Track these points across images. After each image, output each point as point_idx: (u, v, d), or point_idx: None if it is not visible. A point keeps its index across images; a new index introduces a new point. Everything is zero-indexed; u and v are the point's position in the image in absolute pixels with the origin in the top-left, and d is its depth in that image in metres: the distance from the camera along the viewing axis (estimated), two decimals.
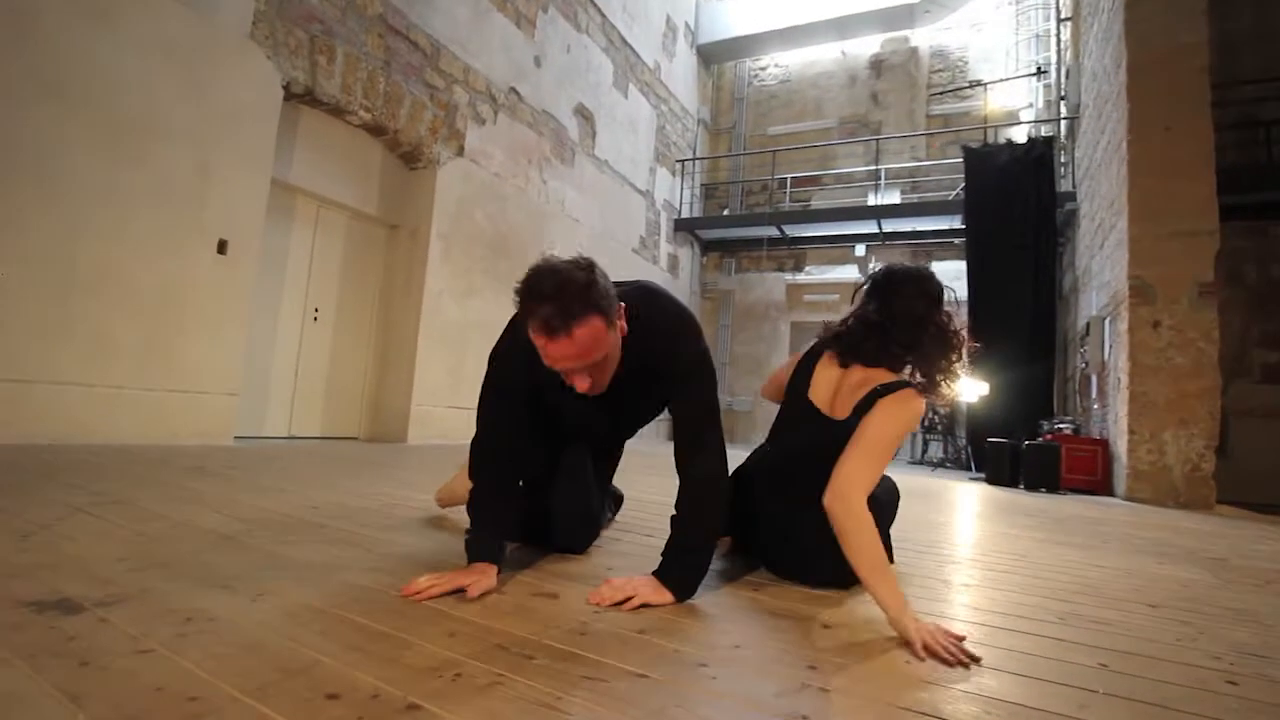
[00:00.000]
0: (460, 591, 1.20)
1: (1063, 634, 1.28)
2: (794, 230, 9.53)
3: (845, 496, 1.26)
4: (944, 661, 1.04)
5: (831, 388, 1.52)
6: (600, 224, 7.78)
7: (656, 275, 9.19)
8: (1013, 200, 7.15)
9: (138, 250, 3.46)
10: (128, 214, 3.41)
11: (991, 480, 5.59)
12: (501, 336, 1.42)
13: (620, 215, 8.26)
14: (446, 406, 5.45)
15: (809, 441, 1.52)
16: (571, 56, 7.17)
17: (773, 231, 9.57)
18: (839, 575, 1.40)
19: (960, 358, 1.51)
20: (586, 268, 1.21)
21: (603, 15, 7.73)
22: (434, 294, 5.37)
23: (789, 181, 9.91)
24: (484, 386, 1.42)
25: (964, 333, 1.51)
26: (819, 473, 1.33)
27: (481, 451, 1.40)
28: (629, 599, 1.21)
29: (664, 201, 9.46)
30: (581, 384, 1.24)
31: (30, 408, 3.09)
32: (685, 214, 9.97)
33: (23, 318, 3.06)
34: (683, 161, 9.90)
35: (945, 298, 1.53)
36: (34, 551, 1.29)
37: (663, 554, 1.32)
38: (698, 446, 1.36)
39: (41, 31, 3.10)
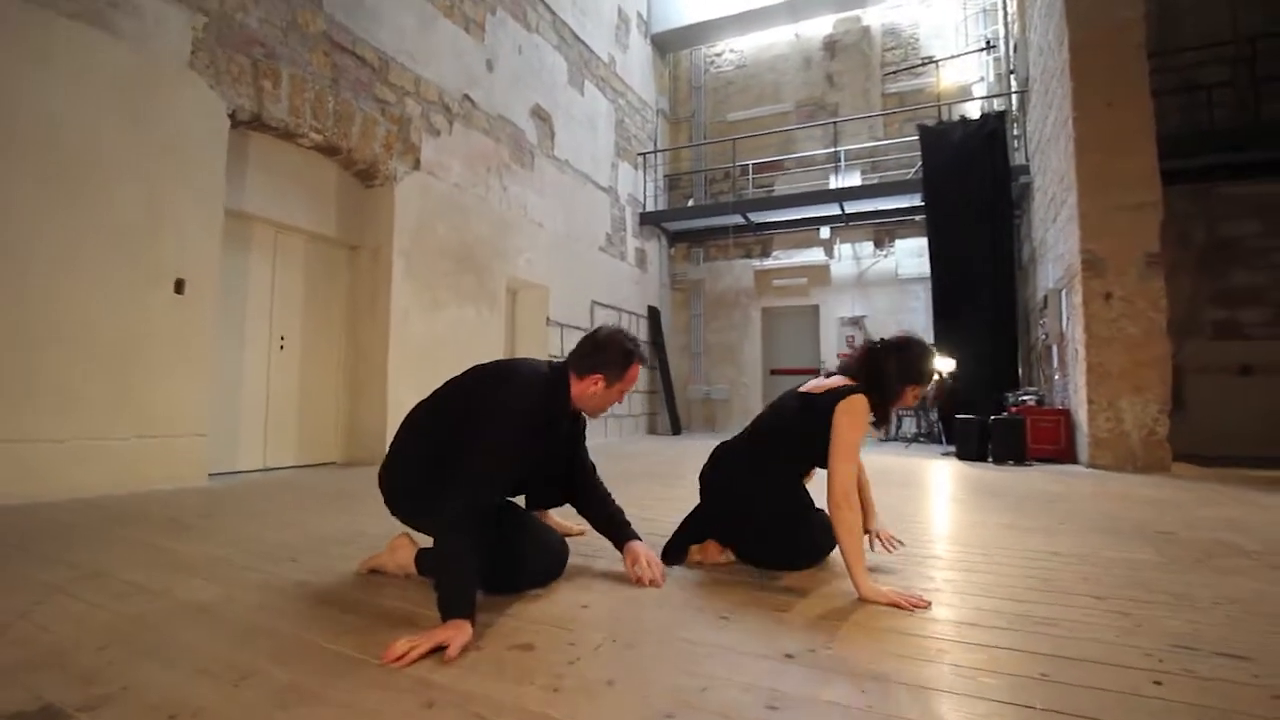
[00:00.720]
0: (440, 650, 1.25)
1: (1013, 642, 1.37)
2: (759, 216, 9.60)
3: (847, 495, 1.72)
4: (903, 607, 1.56)
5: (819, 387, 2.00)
6: (565, 226, 7.76)
7: (624, 272, 9.21)
8: (968, 176, 7.29)
9: (91, 296, 3.39)
10: (78, 259, 3.34)
11: (962, 455, 5.76)
12: (496, 426, 1.59)
13: (584, 215, 8.25)
14: None
15: (784, 408, 2.05)
16: (524, 58, 7.10)
17: (738, 219, 9.63)
18: (790, 556, 1.97)
19: (904, 400, 1.99)
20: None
21: (553, 13, 7.66)
22: (400, 312, 5.34)
23: (751, 168, 9.96)
24: (488, 467, 1.55)
25: (919, 393, 2.00)
26: (784, 438, 1.99)
27: (475, 519, 1.48)
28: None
29: (628, 196, 9.45)
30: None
31: (3, 468, 3.04)
32: (650, 207, 9.98)
33: None
34: (644, 154, 9.89)
35: (925, 376, 1.97)
36: (12, 647, 1.30)
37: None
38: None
39: None
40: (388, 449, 1.86)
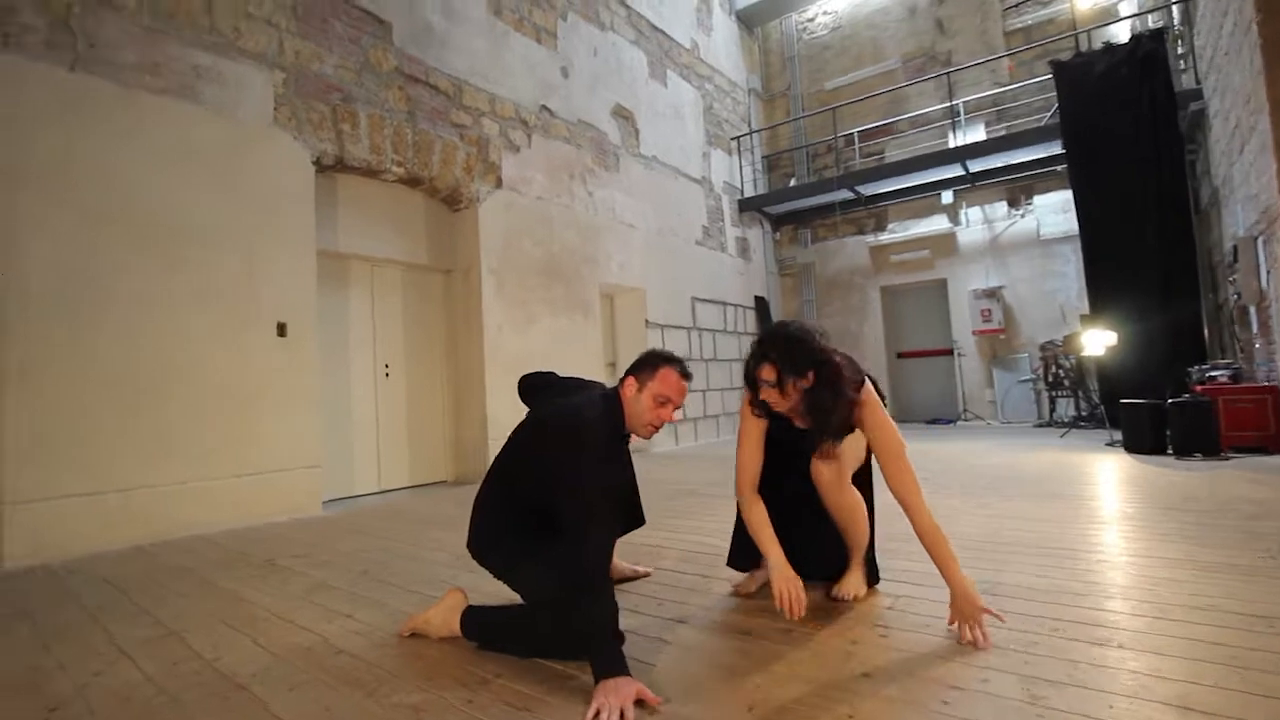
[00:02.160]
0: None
1: None
2: (869, 188, 8.79)
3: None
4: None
5: None
6: (656, 223, 7.54)
7: (726, 263, 8.83)
8: (1120, 111, 6.14)
9: (203, 348, 3.68)
10: (187, 316, 3.63)
11: (1131, 447, 4.83)
12: (578, 458, 1.58)
13: (677, 210, 7.98)
14: None
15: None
16: (600, 58, 6.96)
17: (846, 194, 8.89)
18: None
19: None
20: None
21: (627, 7, 7.44)
22: (493, 329, 5.40)
23: (856, 137, 9.15)
24: (596, 501, 1.54)
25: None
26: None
27: (604, 573, 1.51)
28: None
29: (724, 184, 9.05)
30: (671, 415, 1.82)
31: (136, 512, 3.37)
32: (749, 193, 9.50)
33: (115, 432, 3.33)
34: (738, 138, 9.42)
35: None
36: None
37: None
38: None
39: (88, 164, 3.34)
40: (474, 501, 1.87)
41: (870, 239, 9.29)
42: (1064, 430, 6.55)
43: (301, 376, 4.12)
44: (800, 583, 1.72)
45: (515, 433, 1.89)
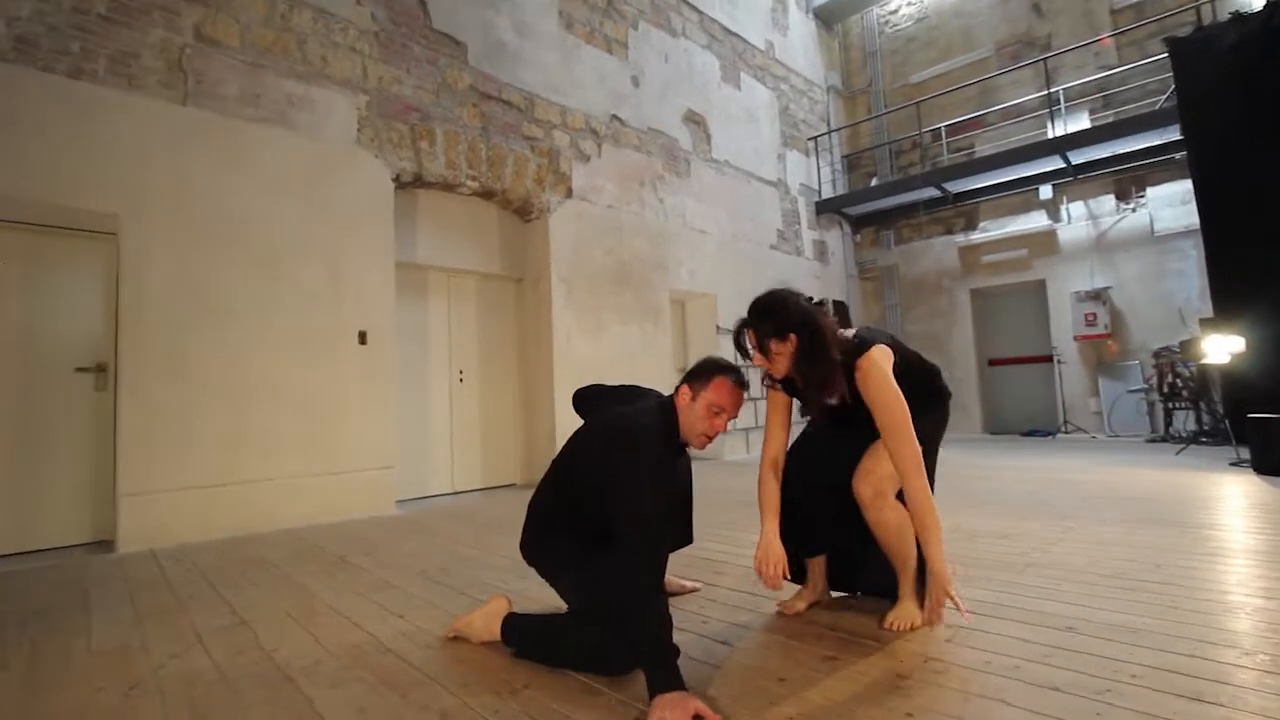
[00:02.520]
0: None
1: None
2: (957, 185, 8.30)
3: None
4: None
5: None
6: (729, 228, 7.44)
7: (802, 267, 8.59)
8: (1251, 89, 5.47)
9: (289, 354, 3.96)
10: (276, 324, 3.92)
11: (1260, 468, 4.28)
12: (634, 466, 1.55)
13: (751, 214, 7.84)
14: None
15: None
16: (672, 65, 6.96)
17: (932, 192, 8.44)
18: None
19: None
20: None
21: (699, 12, 7.41)
22: (562, 336, 5.50)
23: (943, 132, 8.67)
24: (650, 511, 1.52)
25: None
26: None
27: (658, 584, 1.50)
28: None
29: (800, 186, 8.82)
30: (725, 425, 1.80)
31: (230, 506, 3.67)
32: (827, 194, 9.20)
33: (212, 432, 3.64)
34: (815, 138, 9.15)
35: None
36: (131, 713, 1.44)
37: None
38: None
39: (195, 188, 3.68)
40: (529, 504, 1.89)
41: (960, 239, 8.76)
42: (1181, 446, 5.89)
43: (379, 382, 4.34)
44: (784, 556, 1.76)
45: (572, 439, 1.89)
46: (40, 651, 1.89)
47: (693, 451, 2.15)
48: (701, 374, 1.78)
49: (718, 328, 7.11)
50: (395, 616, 2.10)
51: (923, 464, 1.69)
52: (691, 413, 1.75)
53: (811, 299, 1.82)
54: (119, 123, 3.47)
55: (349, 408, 4.18)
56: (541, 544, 1.83)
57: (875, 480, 1.78)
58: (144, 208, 3.52)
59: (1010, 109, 8.32)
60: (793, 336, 1.72)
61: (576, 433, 1.90)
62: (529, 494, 1.94)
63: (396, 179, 4.59)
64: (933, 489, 1.89)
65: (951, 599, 1.63)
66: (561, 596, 1.82)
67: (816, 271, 8.87)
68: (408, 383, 4.90)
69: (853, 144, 9.98)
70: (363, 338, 4.29)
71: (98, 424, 3.58)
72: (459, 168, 4.95)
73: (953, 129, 8.69)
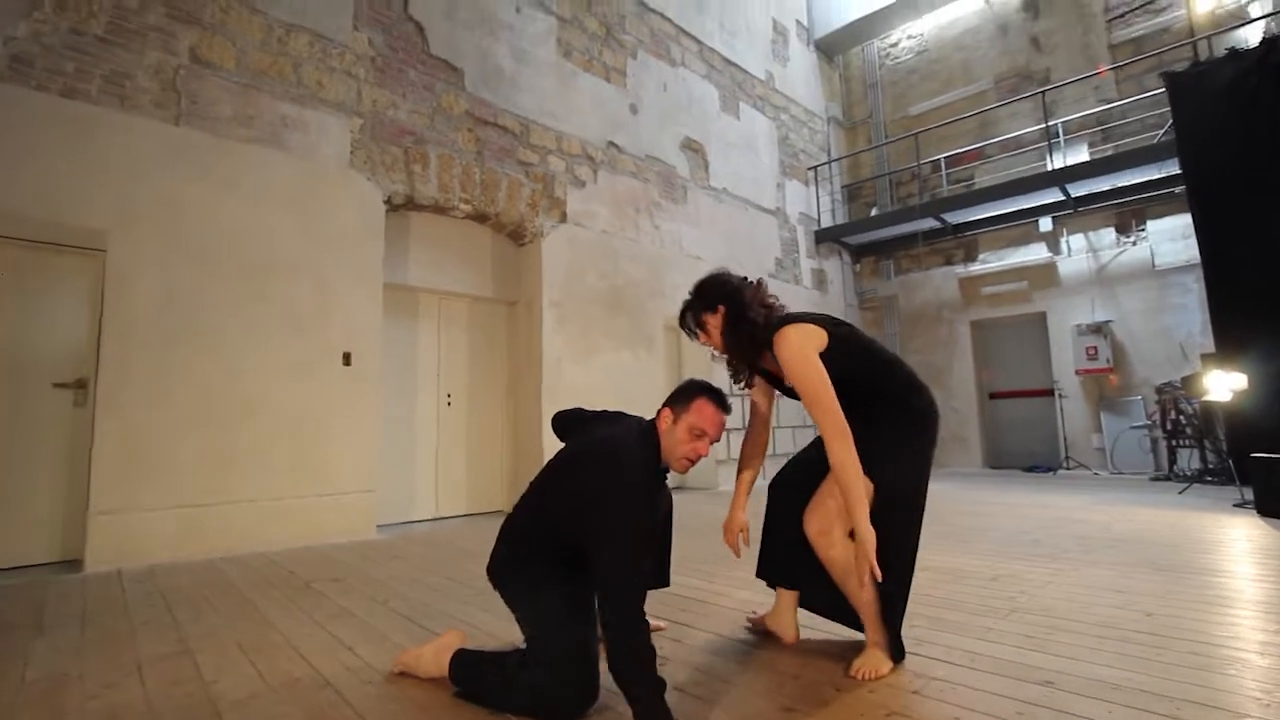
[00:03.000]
0: None
1: None
2: (957, 216, 8.29)
3: None
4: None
5: None
6: (726, 255, 7.43)
7: (801, 296, 8.55)
8: (1247, 125, 5.46)
9: (274, 374, 3.93)
10: (261, 343, 3.90)
11: (1265, 510, 4.15)
12: (618, 493, 1.53)
13: (748, 242, 7.84)
14: None
15: None
16: (670, 94, 7.03)
17: (931, 223, 8.43)
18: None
19: None
20: None
21: (699, 42, 7.50)
22: (552, 361, 5.45)
23: (943, 163, 8.69)
24: (635, 540, 1.49)
25: None
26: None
27: (643, 623, 1.43)
28: None
29: (799, 215, 8.83)
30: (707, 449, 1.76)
31: (207, 527, 3.60)
32: (826, 223, 9.21)
33: (191, 450, 3.59)
34: (815, 168, 9.20)
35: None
36: None
37: None
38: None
39: (185, 207, 3.69)
40: (501, 527, 1.82)
41: (959, 270, 8.73)
42: (1184, 486, 5.75)
43: (362, 404, 4.30)
44: (745, 524, 1.92)
45: (552, 461, 1.84)
46: None
47: (686, 480, 2.13)
48: (683, 396, 1.75)
49: (713, 355, 6.99)
50: (345, 649, 2.02)
51: (848, 432, 1.63)
52: (672, 436, 1.71)
53: (745, 278, 1.92)
54: (111, 141, 3.49)
55: (332, 429, 4.13)
56: (510, 567, 1.75)
57: (821, 516, 1.73)
58: (133, 225, 3.52)
59: (1009, 141, 8.35)
60: (721, 308, 1.85)
61: (557, 455, 1.85)
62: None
63: (388, 201, 4.60)
64: (921, 525, 1.82)
65: (872, 568, 1.54)
66: (520, 627, 1.73)
67: (815, 301, 8.83)
68: (394, 405, 4.86)
69: (853, 174, 10.02)
70: (347, 359, 4.26)
71: (74, 441, 3.54)
72: (452, 191, 4.97)
73: (952, 160, 8.72)
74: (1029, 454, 8.20)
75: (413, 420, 5.03)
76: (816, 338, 1.74)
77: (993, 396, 8.66)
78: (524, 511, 1.80)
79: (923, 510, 1.83)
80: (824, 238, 9.04)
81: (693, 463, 1.73)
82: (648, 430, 1.76)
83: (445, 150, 4.95)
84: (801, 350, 1.71)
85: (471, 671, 1.64)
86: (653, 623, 2.15)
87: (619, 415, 1.99)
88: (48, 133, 3.33)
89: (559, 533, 1.68)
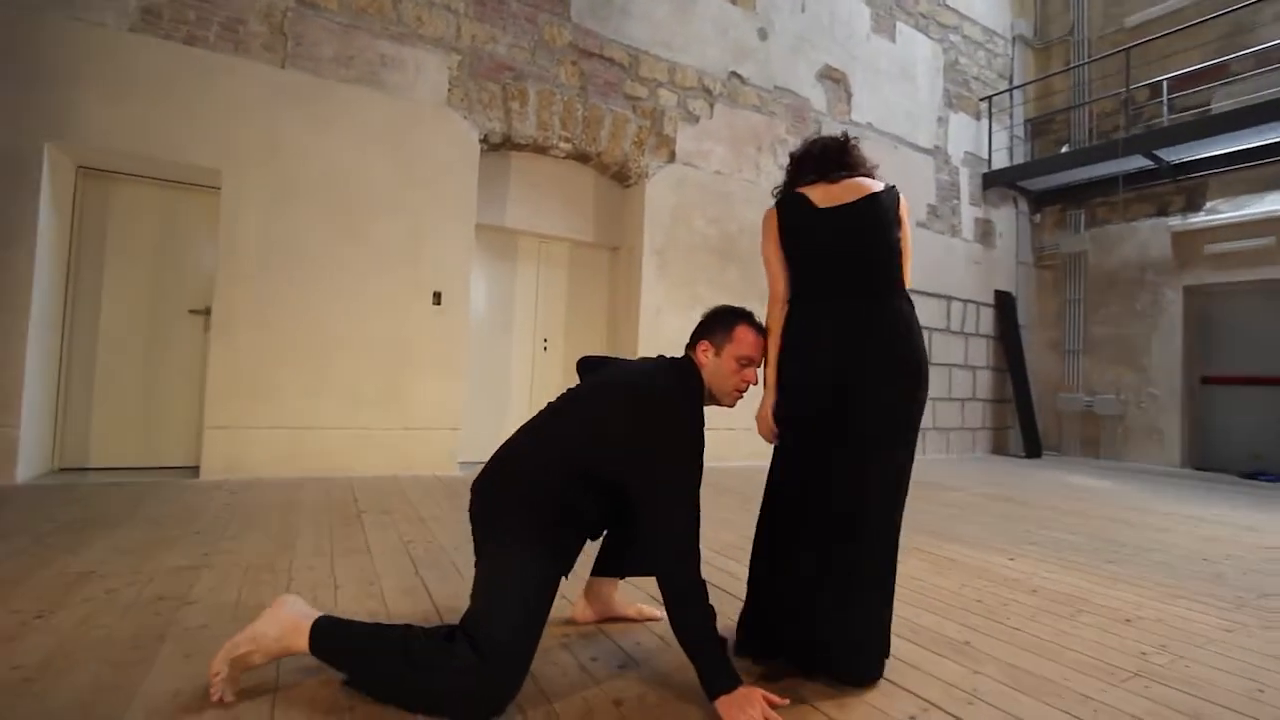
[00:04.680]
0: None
1: None
2: (1179, 153, 6.60)
3: None
4: None
5: None
6: None
7: (958, 250, 7.42)
8: None
9: (367, 310, 4.09)
10: (356, 280, 4.06)
11: None
12: (677, 438, 1.42)
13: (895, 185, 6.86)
14: None
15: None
16: (809, 14, 6.22)
17: (1140, 162, 6.80)
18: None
19: None
20: None
21: None
22: (651, 311, 5.20)
23: (1165, 86, 6.91)
24: (695, 491, 1.40)
25: None
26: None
27: (699, 575, 1.37)
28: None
29: (964, 155, 7.58)
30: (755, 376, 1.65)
31: (305, 449, 3.90)
32: (1000, 164, 7.83)
33: (291, 377, 3.88)
34: (990, 98, 7.79)
35: None
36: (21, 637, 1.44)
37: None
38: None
39: (286, 145, 3.88)
40: (505, 446, 1.56)
41: (1175, 222, 7.01)
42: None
43: (451, 343, 4.37)
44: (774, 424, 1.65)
45: (580, 390, 1.60)
46: (17, 566, 2.03)
47: None
48: (720, 325, 1.62)
49: None
50: (331, 588, 2.00)
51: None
52: (719, 369, 1.59)
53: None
54: (224, 84, 3.73)
55: (421, 366, 4.26)
56: (507, 500, 1.46)
57: None
58: (241, 163, 3.78)
59: (1265, 53, 6.39)
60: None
61: (588, 384, 1.63)
62: None
63: (485, 140, 4.54)
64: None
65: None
66: (474, 591, 1.42)
67: (976, 256, 7.63)
68: (490, 347, 4.92)
69: (1041, 104, 8.38)
70: (437, 298, 4.33)
71: (203, 361, 3.96)
72: (551, 128, 4.79)
73: (1179, 81, 6.91)
74: (1251, 457, 6.54)
75: (508, 362, 5.08)
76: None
77: (1206, 382, 6.97)
78: (540, 438, 1.52)
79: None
80: (995, 181, 7.71)
81: (742, 394, 1.63)
82: (685, 368, 1.60)
83: (545, 86, 4.76)
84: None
85: (355, 640, 1.32)
86: (648, 611, 1.89)
87: (644, 360, 1.77)
88: (174, 79, 3.62)
89: (576, 475, 1.44)
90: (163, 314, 3.92)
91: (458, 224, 4.40)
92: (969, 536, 3.18)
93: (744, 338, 1.60)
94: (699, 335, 1.64)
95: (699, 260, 5.46)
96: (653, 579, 2.06)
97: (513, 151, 4.87)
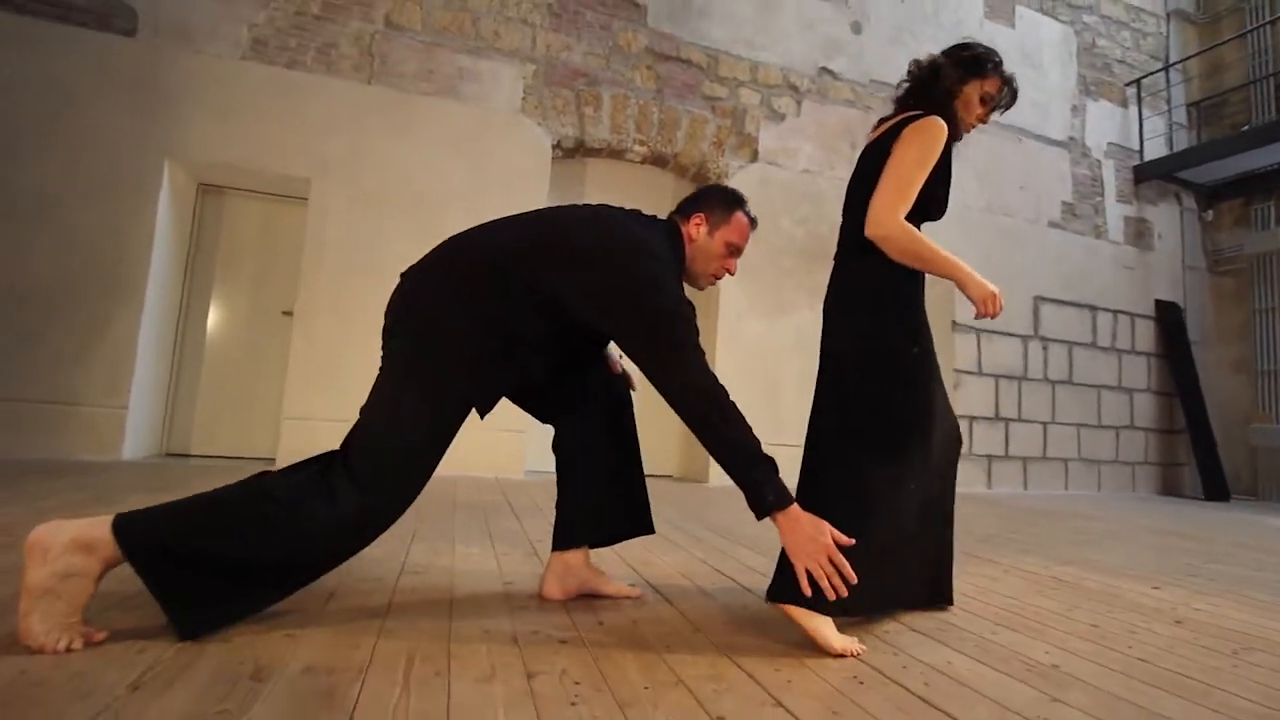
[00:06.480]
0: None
1: None
2: None
3: (885, 223, 1.43)
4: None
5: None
6: (981, 199, 5.91)
7: (1105, 253, 6.43)
8: None
9: None
10: None
11: None
12: (664, 287, 1.30)
13: (1019, 182, 6.12)
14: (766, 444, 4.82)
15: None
16: (909, 6, 5.79)
17: None
18: None
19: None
20: None
21: None
22: (731, 317, 4.90)
23: None
24: (695, 335, 1.32)
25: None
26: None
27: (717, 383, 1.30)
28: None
29: (1108, 146, 6.63)
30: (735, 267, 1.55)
31: None
32: (1154, 154, 6.76)
33: (365, 372, 3.96)
34: (1138, 81, 6.80)
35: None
36: None
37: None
38: None
39: (367, 156, 4.11)
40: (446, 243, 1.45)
41: None
42: None
43: None
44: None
45: (546, 213, 1.48)
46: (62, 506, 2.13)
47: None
48: (720, 204, 1.49)
49: (954, 324, 5.67)
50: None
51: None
52: (707, 247, 1.47)
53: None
54: (317, 101, 4.04)
55: None
56: (438, 305, 1.30)
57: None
58: (328, 173, 4.04)
59: None
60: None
61: (555, 210, 1.48)
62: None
63: (558, 145, 4.57)
64: None
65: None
66: (369, 403, 1.29)
67: (1128, 259, 6.57)
68: None
69: (1209, 83, 7.19)
70: None
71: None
72: (625, 131, 4.74)
73: None
74: None
75: None
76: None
77: None
78: (489, 248, 1.35)
79: None
80: (1149, 174, 6.66)
81: (716, 280, 1.54)
82: (672, 233, 1.46)
83: (620, 90, 4.73)
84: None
85: (184, 512, 1.09)
86: (626, 589, 1.61)
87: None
88: (274, 99, 3.98)
89: (536, 280, 1.28)
90: (260, 315, 4.24)
91: None
92: (1100, 561, 2.53)
93: (740, 224, 1.49)
94: (695, 207, 1.49)
95: (786, 262, 5.10)
96: (625, 544, 1.82)
97: (588, 158, 4.86)
